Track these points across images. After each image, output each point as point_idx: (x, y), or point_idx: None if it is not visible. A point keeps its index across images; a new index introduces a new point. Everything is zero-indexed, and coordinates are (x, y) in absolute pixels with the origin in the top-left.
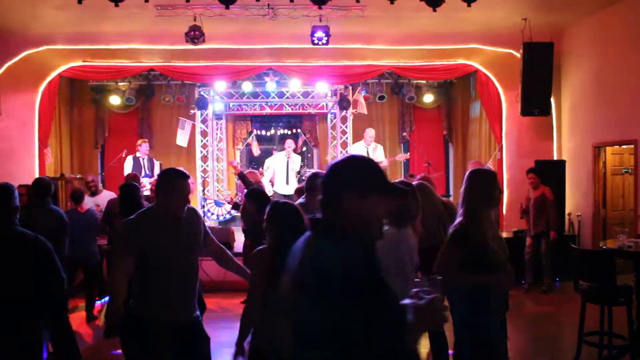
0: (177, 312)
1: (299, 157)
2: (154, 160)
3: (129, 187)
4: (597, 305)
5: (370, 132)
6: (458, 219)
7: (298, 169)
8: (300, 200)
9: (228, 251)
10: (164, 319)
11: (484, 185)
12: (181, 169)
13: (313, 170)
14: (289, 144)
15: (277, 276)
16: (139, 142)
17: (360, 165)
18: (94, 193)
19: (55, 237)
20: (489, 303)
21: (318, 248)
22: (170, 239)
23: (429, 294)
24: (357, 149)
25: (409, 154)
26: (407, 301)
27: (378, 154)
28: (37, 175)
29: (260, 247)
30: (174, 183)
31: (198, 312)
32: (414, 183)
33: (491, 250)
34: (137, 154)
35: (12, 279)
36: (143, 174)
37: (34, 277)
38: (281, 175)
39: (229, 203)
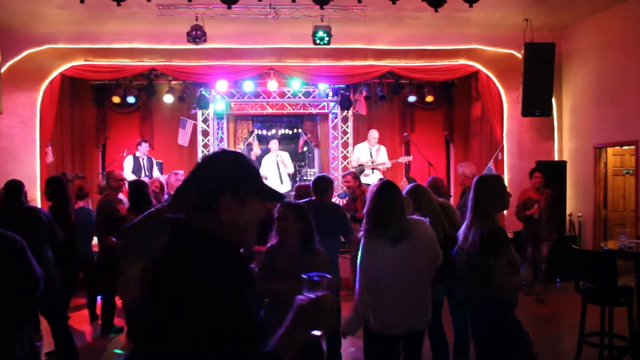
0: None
1: (286, 153)
2: (153, 160)
3: (138, 184)
4: (597, 306)
5: (374, 134)
6: (482, 227)
7: (291, 169)
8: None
9: None
10: None
11: (495, 190)
12: None
13: (314, 170)
14: (274, 144)
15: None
16: (139, 141)
17: (241, 165)
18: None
19: (33, 237)
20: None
21: (179, 256)
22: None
23: (314, 292)
24: (361, 150)
25: (412, 157)
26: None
27: (381, 156)
28: (38, 174)
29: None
30: None
31: None
32: (408, 187)
33: None
34: (137, 154)
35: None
36: (143, 174)
37: (6, 276)
38: (274, 176)
39: None
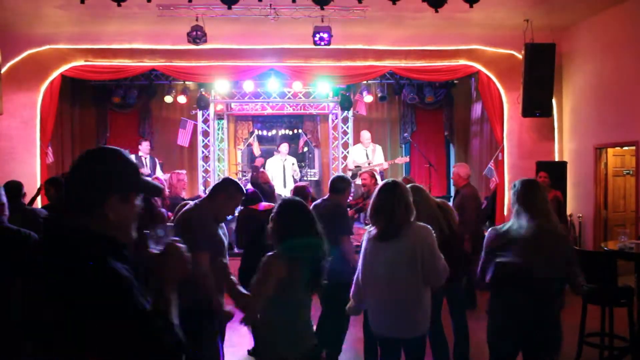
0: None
1: (293, 159)
2: (157, 160)
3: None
4: (598, 306)
5: (365, 135)
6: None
7: (297, 173)
8: (319, 201)
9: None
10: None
11: (545, 195)
12: (240, 184)
13: (315, 171)
14: (284, 147)
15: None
16: (140, 141)
17: (123, 164)
18: None
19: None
20: None
21: (69, 257)
22: (217, 235)
23: (161, 245)
24: (356, 151)
25: (409, 157)
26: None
27: (377, 156)
28: (38, 175)
29: (271, 253)
30: (237, 195)
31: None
32: (408, 186)
33: None
34: (140, 153)
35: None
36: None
37: (20, 273)
38: (278, 178)
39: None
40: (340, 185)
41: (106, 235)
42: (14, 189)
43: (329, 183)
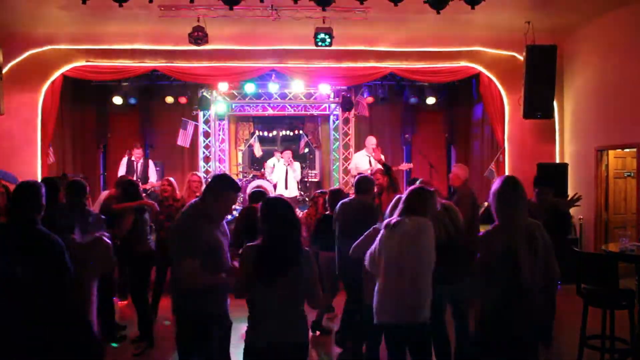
0: (222, 304)
1: (298, 165)
2: (150, 163)
3: (126, 182)
4: (599, 308)
5: (371, 140)
6: None
7: (299, 177)
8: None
9: None
10: (216, 312)
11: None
12: (234, 179)
13: (315, 172)
14: (287, 154)
15: (264, 272)
16: (134, 146)
17: None
18: None
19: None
20: None
21: None
22: (219, 236)
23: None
24: (360, 158)
25: (412, 164)
26: None
27: (379, 165)
28: (39, 175)
29: (250, 244)
30: (232, 195)
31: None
32: (411, 188)
33: None
34: (132, 157)
35: (35, 280)
36: (135, 177)
37: (44, 276)
38: (280, 182)
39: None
40: (365, 185)
41: None
42: (80, 188)
43: (355, 184)
